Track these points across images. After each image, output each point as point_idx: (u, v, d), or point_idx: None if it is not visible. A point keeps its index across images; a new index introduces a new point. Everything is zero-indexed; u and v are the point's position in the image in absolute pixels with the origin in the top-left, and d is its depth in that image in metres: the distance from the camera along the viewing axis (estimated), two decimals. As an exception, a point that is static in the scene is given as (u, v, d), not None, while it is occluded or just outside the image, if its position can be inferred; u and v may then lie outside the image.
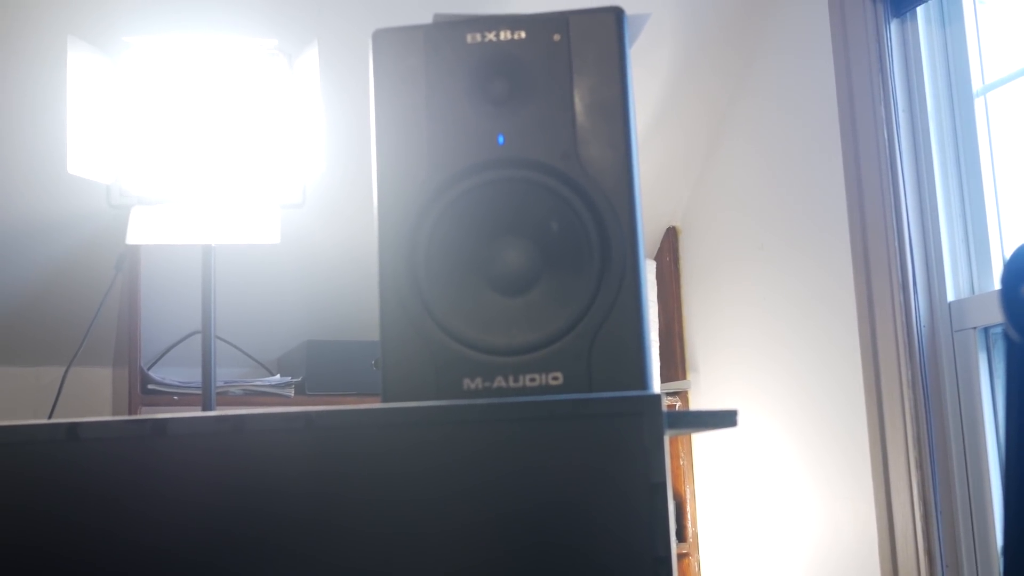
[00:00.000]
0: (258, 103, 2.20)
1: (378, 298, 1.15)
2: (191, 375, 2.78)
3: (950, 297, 2.54)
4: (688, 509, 3.33)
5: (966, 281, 2.55)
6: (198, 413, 1.01)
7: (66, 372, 2.65)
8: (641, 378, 1.13)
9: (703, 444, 3.34)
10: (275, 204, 2.23)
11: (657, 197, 3.40)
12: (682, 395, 3.38)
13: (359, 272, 3.12)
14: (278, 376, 3.06)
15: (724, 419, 1.20)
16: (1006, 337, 1.06)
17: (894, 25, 2.67)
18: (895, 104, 2.62)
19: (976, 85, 2.59)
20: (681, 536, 3.30)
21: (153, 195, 2.17)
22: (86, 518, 0.99)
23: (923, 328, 2.54)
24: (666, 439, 1.00)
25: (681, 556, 3.26)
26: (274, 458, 0.99)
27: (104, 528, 0.98)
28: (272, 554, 0.98)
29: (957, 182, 2.59)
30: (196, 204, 2.19)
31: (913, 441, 2.49)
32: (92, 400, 3.16)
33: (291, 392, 2.97)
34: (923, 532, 2.46)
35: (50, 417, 2.70)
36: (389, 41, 1.20)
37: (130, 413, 2.73)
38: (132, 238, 2.16)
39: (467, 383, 1.13)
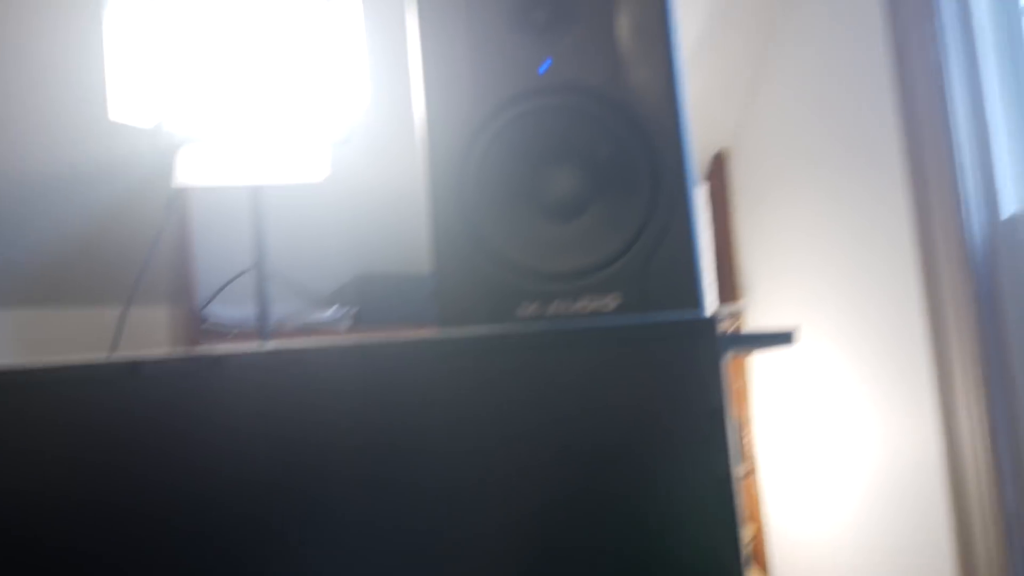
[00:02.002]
0: (301, 38, 2.19)
1: (431, 230, 1.15)
2: (246, 312, 2.80)
3: (1007, 212, 2.50)
4: (746, 431, 3.33)
5: (1022, 196, 2.51)
6: (256, 346, 1.02)
7: (124, 313, 2.68)
8: (696, 299, 1.12)
9: (760, 366, 3.33)
10: (322, 141, 2.22)
11: (705, 120, 3.36)
12: (736, 318, 3.37)
13: (409, 205, 3.12)
14: (332, 310, 3.07)
15: (781, 339, 1.20)
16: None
17: (944, -66, 2.61)
18: (944, 16, 2.57)
19: (1030, -7, 2.53)
20: (740, 458, 3.31)
21: (199, 136, 2.17)
22: (149, 452, 1.00)
23: (980, 244, 2.51)
24: (724, 361, 1.00)
25: (741, 477, 3.27)
26: (332, 389, 1.00)
27: (166, 462, 1.00)
28: (330, 484, 0.99)
29: (1011, 94, 2.54)
30: (243, 143, 2.19)
31: (974, 357, 2.47)
32: (150, 340, 3.20)
33: (346, 325, 2.99)
34: (987, 448, 2.45)
35: (110, 357, 2.73)
36: (432, -30, 1.19)
37: (188, 351, 2.75)
38: (180, 180, 2.16)
39: (522, 309, 1.13)
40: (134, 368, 1.01)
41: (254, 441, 1.00)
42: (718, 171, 3.45)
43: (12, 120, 2.78)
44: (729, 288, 3.40)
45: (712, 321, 1.00)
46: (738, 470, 3.24)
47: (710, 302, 1.14)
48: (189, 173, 2.17)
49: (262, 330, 2.29)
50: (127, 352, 2.89)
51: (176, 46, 2.16)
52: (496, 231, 1.14)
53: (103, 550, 0.99)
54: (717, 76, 3.31)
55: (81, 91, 2.76)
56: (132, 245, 3.03)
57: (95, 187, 2.97)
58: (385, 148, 3.02)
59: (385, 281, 3.05)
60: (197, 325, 2.83)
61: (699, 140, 3.37)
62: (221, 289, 3.10)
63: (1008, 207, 2.54)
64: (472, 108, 1.15)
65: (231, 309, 2.99)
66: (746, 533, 3.31)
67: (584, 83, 1.14)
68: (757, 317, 3.32)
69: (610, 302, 1.12)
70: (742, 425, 3.34)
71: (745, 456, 3.32)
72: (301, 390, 1.00)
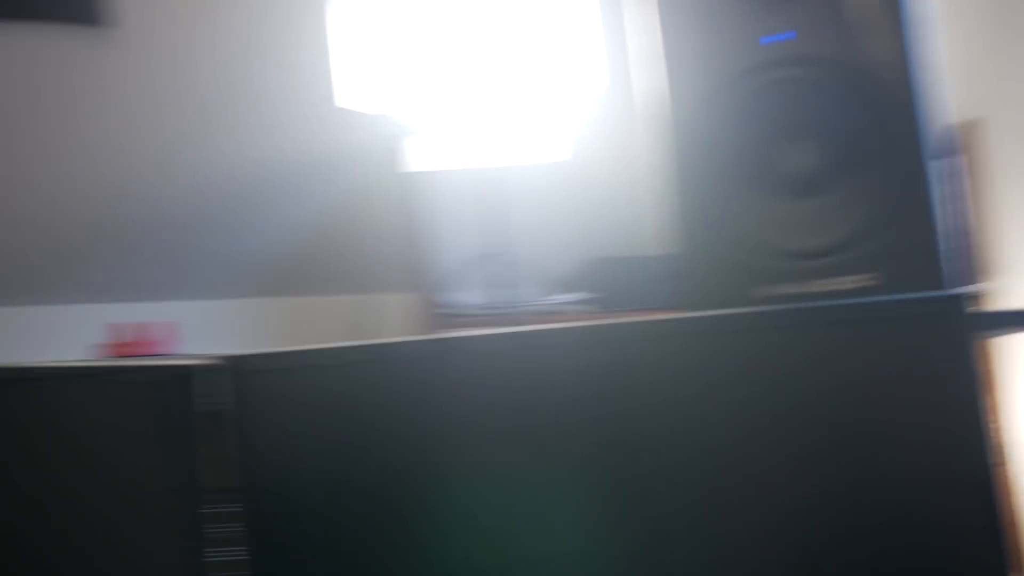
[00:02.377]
0: (537, 17, 2.16)
1: (672, 208, 1.14)
2: (482, 297, 2.83)
3: None
4: (996, 420, 3.18)
5: None
6: (495, 330, 1.03)
7: (360, 300, 2.74)
8: (940, 279, 1.08)
9: (1012, 350, 3.18)
10: (561, 121, 2.20)
11: (953, 89, 3.21)
12: (986, 299, 3.22)
13: (639, 186, 3.10)
14: (570, 294, 3.07)
15: (1036, 319, 1.14)
16: None
17: None
18: None
19: None
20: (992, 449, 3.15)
21: (427, 120, 2.16)
22: (393, 433, 1.02)
23: None
24: (975, 341, 0.95)
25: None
26: (571, 372, 1.00)
27: (409, 442, 1.02)
28: (571, 465, 0.99)
29: None
30: (473, 127, 2.18)
31: None
32: (386, 326, 3.28)
33: (584, 309, 2.99)
34: None
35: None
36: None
37: (426, 337, 2.79)
38: (409, 166, 2.16)
39: (764, 290, 1.11)
40: (377, 352, 1.04)
41: (494, 423, 1.01)
42: (968, 142, 3.30)
43: (243, 112, 2.88)
44: (976, 267, 3.25)
45: (962, 299, 0.96)
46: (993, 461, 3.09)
47: (957, 282, 1.10)
48: (419, 158, 2.19)
49: (501, 315, 2.30)
50: (365, 339, 2.98)
51: (403, 29, 2.15)
52: (736, 208, 1.12)
53: (353, 525, 1.02)
54: (963, 42, 3.17)
55: (308, 79, 2.83)
56: (364, 233, 3.11)
57: (325, 176, 3.05)
58: (626, 126, 3.01)
59: (622, 264, 3.04)
60: (434, 311, 2.87)
61: (944, 111, 3.23)
62: (456, 274, 3.15)
63: None
64: (709, 83, 1.14)
65: (466, 294, 3.03)
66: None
67: (821, 54, 1.11)
68: (1010, 299, 3.17)
69: (853, 281, 1.09)
70: (991, 413, 3.19)
71: (996, 448, 3.17)
72: (540, 373, 1.01)
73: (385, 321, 3.27)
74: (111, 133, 2.85)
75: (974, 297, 2.99)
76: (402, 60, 2.14)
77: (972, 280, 3.44)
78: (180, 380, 1.05)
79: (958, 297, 0.96)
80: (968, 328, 0.95)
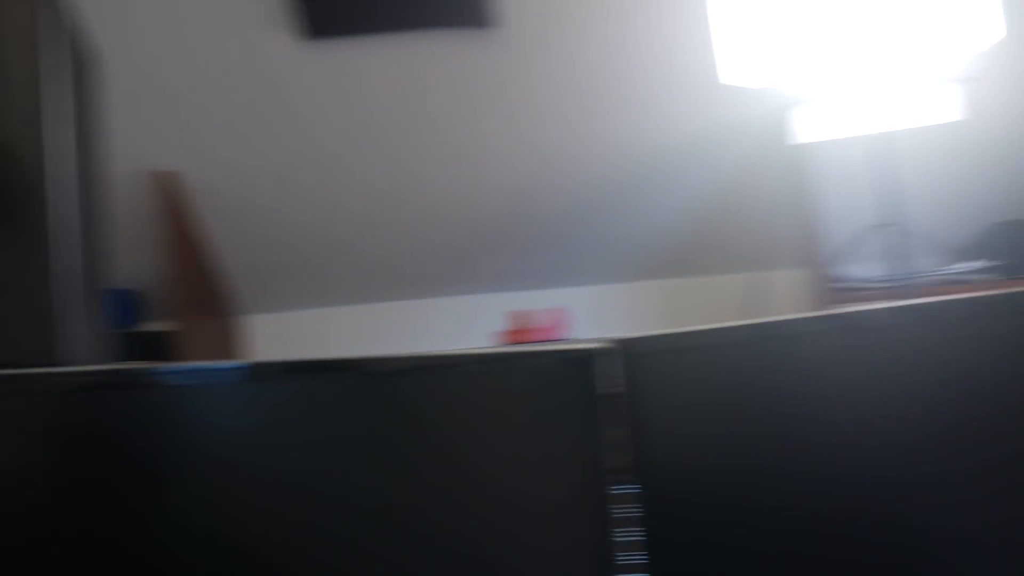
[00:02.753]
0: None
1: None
2: (879, 269, 2.74)
3: None
4: None
5: None
6: (892, 303, 0.99)
7: (751, 277, 2.72)
8: None
9: None
10: (951, 79, 2.11)
11: None
12: None
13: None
14: (971, 262, 2.93)
15: None
16: None
17: None
18: None
19: None
20: None
21: (813, 90, 2.13)
22: (781, 413, 1.00)
23: None
24: None
25: None
26: (980, 345, 0.94)
27: (802, 422, 0.99)
28: (985, 442, 0.94)
29: None
30: (862, 92, 2.13)
31: None
32: (779, 303, 3.24)
33: (988, 277, 2.83)
34: None
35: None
36: None
37: (821, 312, 2.74)
38: (798, 138, 2.14)
39: None
40: (768, 330, 1.02)
41: (891, 400, 0.97)
42: None
43: (627, 99, 2.91)
44: None
45: None
46: None
47: None
48: (808, 130, 2.15)
49: (895, 288, 2.23)
50: (757, 317, 2.95)
51: (783, 1, 2.12)
52: None
53: (744, 505, 1.01)
54: None
55: (689, 59, 2.83)
56: (754, 209, 3.08)
57: (712, 155, 3.04)
58: (1015, 81, 2.82)
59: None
60: (826, 286, 2.81)
61: None
62: (851, 247, 3.06)
63: None
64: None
65: (860, 267, 2.94)
66: None
67: None
68: None
69: None
70: None
71: None
72: (942, 347, 0.96)
73: (777, 298, 3.23)
74: (503, 129, 2.97)
75: None
76: (784, 30, 2.10)
77: None
78: (581, 364, 1.07)
79: None
80: None
